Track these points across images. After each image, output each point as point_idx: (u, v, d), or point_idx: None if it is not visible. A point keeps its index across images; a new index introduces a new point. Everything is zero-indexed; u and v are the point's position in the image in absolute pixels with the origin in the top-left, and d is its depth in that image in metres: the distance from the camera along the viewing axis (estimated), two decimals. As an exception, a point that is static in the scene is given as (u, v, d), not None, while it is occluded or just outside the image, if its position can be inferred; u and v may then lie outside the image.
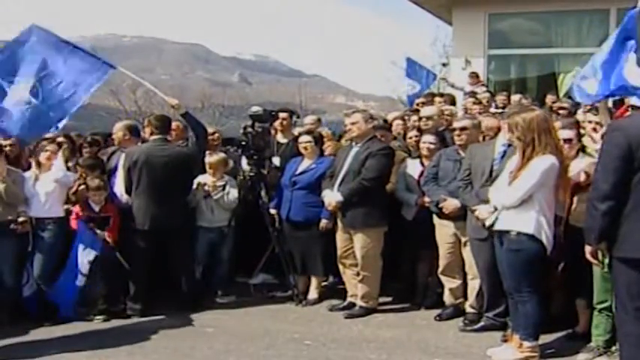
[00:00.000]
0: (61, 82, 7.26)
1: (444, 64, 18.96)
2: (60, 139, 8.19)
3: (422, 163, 7.21)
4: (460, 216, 6.52)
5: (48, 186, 7.18)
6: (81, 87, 7.32)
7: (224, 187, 7.81)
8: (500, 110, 9.85)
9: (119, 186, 7.53)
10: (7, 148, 7.71)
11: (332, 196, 7.07)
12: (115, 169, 7.64)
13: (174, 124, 8.12)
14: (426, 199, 6.91)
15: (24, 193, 7.11)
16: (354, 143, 7.24)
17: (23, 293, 7.17)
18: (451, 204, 6.57)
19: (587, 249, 4.85)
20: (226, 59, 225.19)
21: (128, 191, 7.41)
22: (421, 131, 7.76)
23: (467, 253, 6.63)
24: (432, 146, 7.14)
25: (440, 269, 6.95)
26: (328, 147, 8.10)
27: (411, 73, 15.64)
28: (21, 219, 6.99)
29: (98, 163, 7.63)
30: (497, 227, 5.57)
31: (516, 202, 5.36)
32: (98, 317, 7.19)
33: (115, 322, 7.11)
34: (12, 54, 7.31)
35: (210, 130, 8.41)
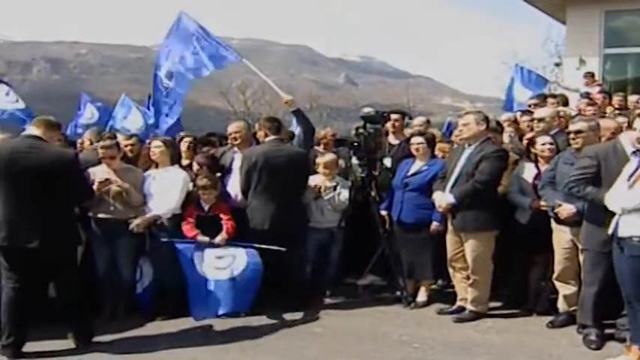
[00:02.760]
0: (190, 63, 8.52)
1: (556, 64, 18.56)
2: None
3: (537, 166, 7.05)
4: (577, 222, 6.30)
5: (162, 185, 7.38)
6: (204, 67, 8.54)
7: (335, 187, 7.86)
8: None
9: (233, 187, 7.70)
10: (128, 148, 7.98)
11: (443, 198, 6.99)
12: (228, 169, 7.81)
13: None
14: (542, 202, 6.74)
15: (143, 192, 7.34)
16: (466, 145, 7.12)
17: (137, 290, 7.42)
18: (566, 209, 6.36)
19: None
20: (332, 60, 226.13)
21: (245, 193, 7.54)
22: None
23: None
24: (552, 146, 6.99)
25: (555, 275, 6.74)
26: (440, 148, 8.03)
27: (519, 80, 15.28)
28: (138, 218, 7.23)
29: (212, 163, 7.81)
30: (617, 233, 5.36)
31: (639, 205, 5.15)
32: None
33: (225, 320, 7.17)
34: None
35: (330, 130, 8.54)
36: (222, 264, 7.24)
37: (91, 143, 8.71)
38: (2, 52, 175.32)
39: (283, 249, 7.08)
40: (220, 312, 7.15)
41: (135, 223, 7.14)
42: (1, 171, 5.96)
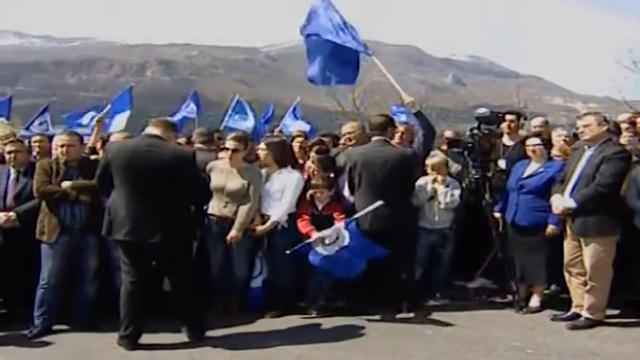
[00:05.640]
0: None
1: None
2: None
3: (657, 170, 6.77)
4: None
5: (277, 184, 7.47)
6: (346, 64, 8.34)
7: (446, 188, 7.78)
8: None
9: (347, 187, 7.71)
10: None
11: (562, 202, 6.81)
12: (342, 169, 7.83)
13: (402, 127, 8.19)
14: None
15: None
16: (586, 147, 6.93)
17: (254, 283, 7.53)
18: None
19: None
20: (440, 60, 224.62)
21: (352, 191, 7.57)
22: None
23: None
24: None
25: (675, 283, 6.48)
26: (557, 150, 7.82)
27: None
28: (257, 224, 7.36)
29: (327, 163, 7.90)
30: None
31: None
32: (316, 313, 7.39)
33: (333, 319, 7.25)
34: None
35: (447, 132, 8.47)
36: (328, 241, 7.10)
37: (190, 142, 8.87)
38: (118, 54, 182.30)
39: (380, 202, 6.99)
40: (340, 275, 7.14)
41: (258, 231, 7.30)
42: (123, 168, 6.22)
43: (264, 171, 7.60)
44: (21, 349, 6.43)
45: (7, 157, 7.41)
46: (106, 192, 6.45)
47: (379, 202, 6.96)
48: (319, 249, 6.97)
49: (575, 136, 8.36)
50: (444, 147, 8.65)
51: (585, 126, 6.88)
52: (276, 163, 7.61)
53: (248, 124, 15.41)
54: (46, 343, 6.58)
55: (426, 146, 7.59)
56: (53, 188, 6.86)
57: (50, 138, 8.29)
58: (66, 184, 6.86)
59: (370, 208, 6.99)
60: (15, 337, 6.73)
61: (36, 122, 13.04)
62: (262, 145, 7.80)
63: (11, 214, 7.03)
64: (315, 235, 7.13)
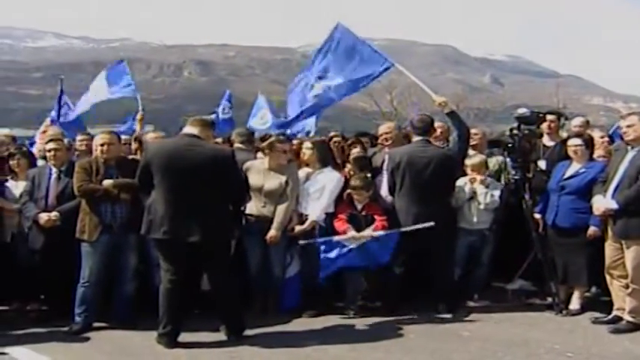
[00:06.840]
0: (343, 74, 8.44)
1: None
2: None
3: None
4: None
5: (317, 183, 7.50)
6: (360, 80, 8.42)
7: (486, 188, 7.73)
8: None
9: (384, 187, 7.72)
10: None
11: (603, 203, 6.72)
12: (379, 170, 7.84)
13: (438, 125, 8.16)
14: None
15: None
16: (629, 147, 6.82)
17: (287, 274, 7.52)
18: None
19: None
20: (477, 60, 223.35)
21: (392, 192, 7.55)
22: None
23: None
24: None
25: None
26: (601, 150, 7.72)
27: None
28: (295, 224, 7.39)
29: (365, 163, 7.89)
30: None
31: None
32: (353, 313, 7.37)
33: (371, 319, 7.22)
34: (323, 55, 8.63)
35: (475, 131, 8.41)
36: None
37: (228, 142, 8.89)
38: (156, 55, 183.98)
39: (431, 223, 7.06)
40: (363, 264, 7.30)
41: (297, 231, 7.34)
42: (163, 168, 6.27)
43: (304, 171, 7.63)
44: (61, 346, 6.52)
45: (47, 155, 7.53)
46: (147, 191, 6.50)
47: (430, 224, 7.03)
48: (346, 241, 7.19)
49: (609, 137, 8.28)
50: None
51: (629, 126, 6.77)
52: (320, 162, 7.64)
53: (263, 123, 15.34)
54: (86, 340, 6.67)
55: (461, 146, 7.57)
56: (95, 187, 6.93)
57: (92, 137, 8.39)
58: (107, 182, 6.94)
59: (419, 226, 7.06)
60: (55, 333, 6.84)
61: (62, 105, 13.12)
62: (308, 144, 7.82)
63: (53, 214, 7.15)
64: (352, 233, 7.21)
